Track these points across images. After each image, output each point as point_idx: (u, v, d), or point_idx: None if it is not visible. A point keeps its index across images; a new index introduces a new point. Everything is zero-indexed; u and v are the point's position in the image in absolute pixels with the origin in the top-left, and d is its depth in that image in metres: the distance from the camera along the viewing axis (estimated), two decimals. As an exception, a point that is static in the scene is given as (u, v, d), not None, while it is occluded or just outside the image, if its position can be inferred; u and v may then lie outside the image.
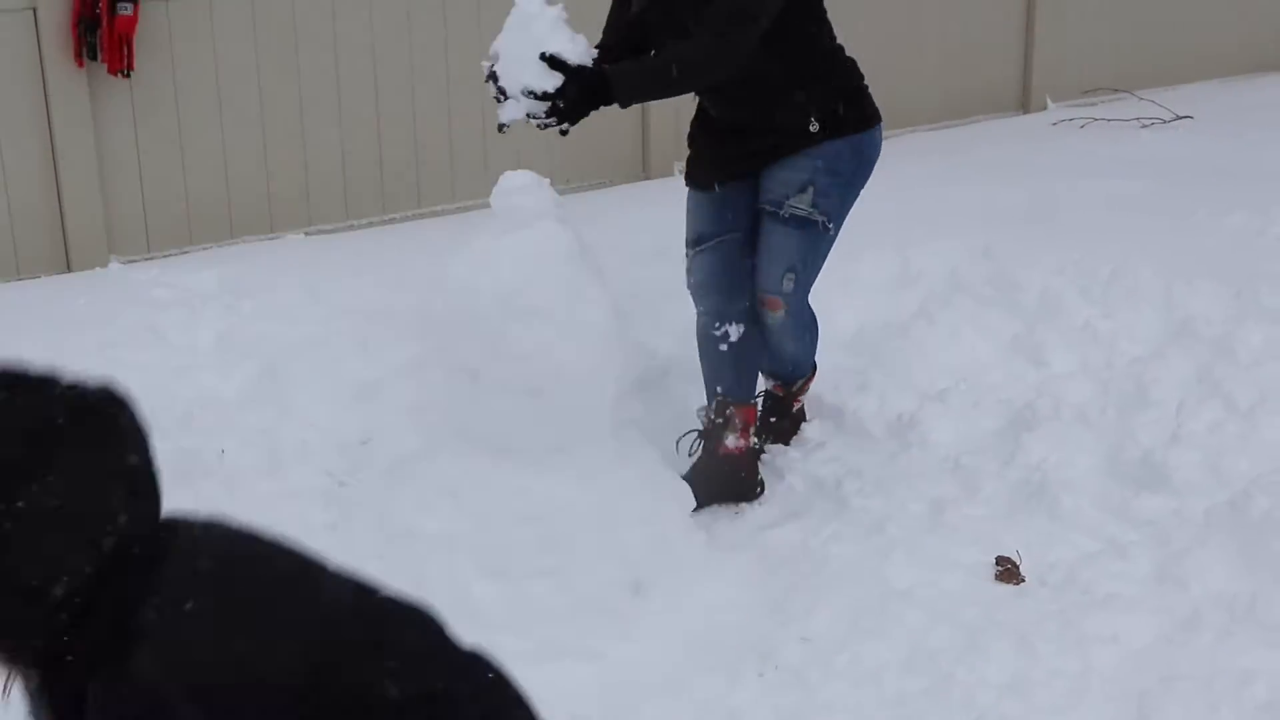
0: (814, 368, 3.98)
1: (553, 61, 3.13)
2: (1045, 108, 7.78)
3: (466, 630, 3.09)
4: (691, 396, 3.90)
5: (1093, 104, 7.75)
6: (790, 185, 3.50)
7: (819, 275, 3.73)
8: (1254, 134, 6.85)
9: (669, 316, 4.22)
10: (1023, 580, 3.27)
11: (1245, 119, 7.30)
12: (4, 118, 5.06)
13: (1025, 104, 7.85)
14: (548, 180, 3.28)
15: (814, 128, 3.48)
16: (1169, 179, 6.04)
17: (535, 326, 3.11)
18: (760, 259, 3.63)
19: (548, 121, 3.17)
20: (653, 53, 3.33)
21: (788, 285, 3.61)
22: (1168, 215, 5.44)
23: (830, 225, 3.58)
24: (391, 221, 5.78)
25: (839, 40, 3.62)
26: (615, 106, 3.25)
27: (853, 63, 3.62)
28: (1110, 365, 4.10)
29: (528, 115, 3.18)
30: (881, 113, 3.67)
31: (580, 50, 3.19)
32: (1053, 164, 6.44)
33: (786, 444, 3.97)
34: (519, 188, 3.19)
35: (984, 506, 3.55)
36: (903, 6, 7.22)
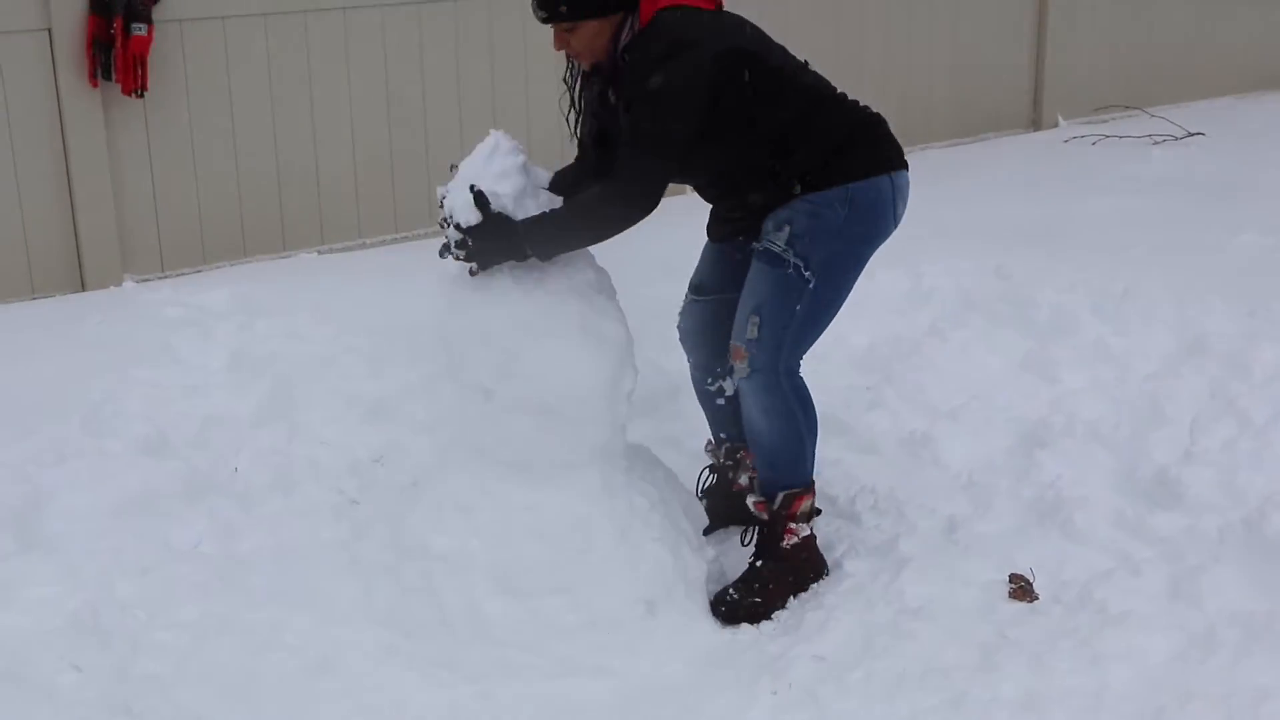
0: (808, 484, 3.38)
1: (478, 199, 3.04)
2: (1057, 125, 7.80)
3: (479, 645, 3.11)
4: (699, 415, 3.88)
5: (1104, 121, 7.76)
6: (772, 221, 3.23)
7: (804, 345, 3.31)
8: (1266, 151, 6.85)
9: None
10: (1036, 598, 3.26)
11: (1257, 136, 7.30)
12: (19, 137, 5.09)
13: (1037, 121, 7.86)
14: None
15: (797, 189, 3.21)
16: (1181, 196, 6.04)
17: (547, 344, 3.11)
18: (739, 306, 3.34)
19: (459, 256, 3.10)
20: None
21: (751, 331, 3.23)
22: (1180, 232, 5.43)
23: (809, 274, 3.18)
24: (404, 240, 5.80)
25: (823, 84, 3.29)
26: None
27: (843, 111, 3.27)
28: (1123, 382, 4.09)
29: (448, 244, 3.11)
30: (904, 155, 3.33)
31: (527, 189, 3.09)
32: (1064, 181, 6.44)
33: (765, 615, 3.30)
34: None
35: (997, 524, 3.54)
36: (914, 24, 7.24)
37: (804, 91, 3.22)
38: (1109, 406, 3.96)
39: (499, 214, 3.06)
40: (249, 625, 3.14)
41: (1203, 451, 3.64)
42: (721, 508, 3.68)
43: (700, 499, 3.68)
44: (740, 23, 3.23)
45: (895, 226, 3.32)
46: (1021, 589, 3.28)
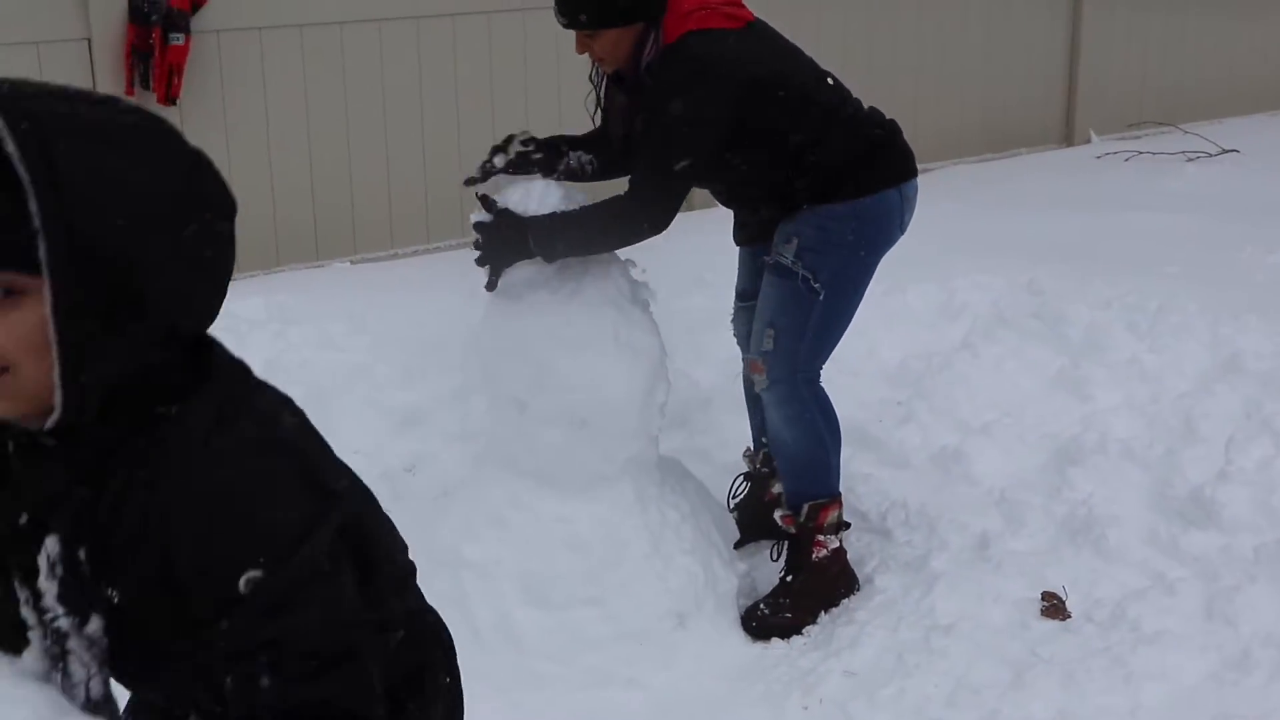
0: (834, 496, 3.38)
1: (484, 201, 3.08)
2: (1089, 141, 7.77)
3: (509, 656, 3.11)
4: (731, 427, 3.90)
5: (1137, 137, 7.73)
6: (781, 233, 3.27)
7: (821, 354, 3.32)
8: (1301, 168, 6.80)
9: (711, 347, 4.22)
10: (1069, 616, 3.24)
11: (1292, 153, 7.24)
12: (57, 146, 5.14)
13: (1069, 137, 7.84)
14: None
15: (805, 203, 3.24)
16: (1215, 213, 6.00)
17: (581, 357, 3.12)
18: (754, 318, 3.38)
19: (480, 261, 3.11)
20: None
21: (767, 343, 3.27)
22: (1214, 250, 5.40)
23: (819, 286, 3.21)
24: (437, 250, 5.83)
25: (840, 98, 3.28)
26: None
27: (855, 126, 3.26)
28: (1157, 400, 4.07)
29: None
30: (916, 151, 3.39)
31: (553, 202, 3.09)
32: (1097, 197, 6.41)
33: (796, 630, 3.31)
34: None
35: (1029, 541, 3.53)
36: (946, 38, 7.23)
37: (820, 109, 3.22)
38: (1143, 424, 3.94)
39: (505, 210, 3.09)
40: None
41: (1238, 471, 3.62)
42: (753, 521, 3.68)
43: (732, 512, 3.68)
44: (770, 36, 3.25)
45: (902, 234, 3.37)
46: (1054, 607, 3.27)
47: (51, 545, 1.28)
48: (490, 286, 3.14)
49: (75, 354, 1.20)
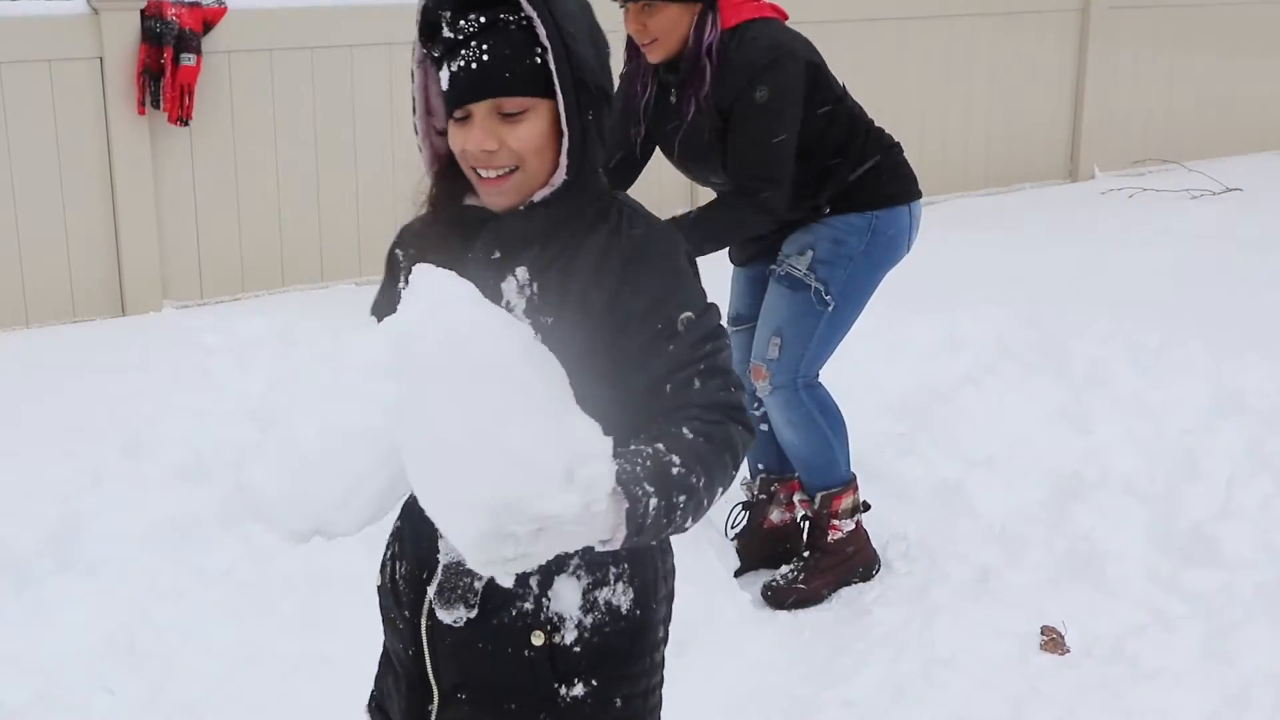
0: (845, 483, 3.52)
1: None
2: (1093, 177, 7.80)
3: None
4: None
5: (1141, 174, 7.76)
6: (793, 244, 3.37)
7: (821, 360, 3.43)
8: (1304, 208, 6.82)
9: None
10: (1068, 651, 3.24)
11: (1295, 192, 7.27)
12: (68, 162, 5.17)
13: (1074, 173, 7.87)
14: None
15: (826, 210, 3.35)
16: (1218, 251, 6.02)
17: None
18: (758, 323, 3.48)
19: None
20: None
21: (772, 351, 3.37)
22: (1217, 287, 5.42)
23: (830, 298, 3.33)
24: (441, 274, 5.84)
25: (861, 110, 3.43)
26: None
27: (875, 139, 3.40)
28: (1159, 436, 4.07)
29: None
30: (920, 183, 3.48)
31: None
32: (1101, 233, 6.44)
33: (810, 601, 3.46)
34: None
35: (1029, 575, 3.53)
36: (953, 73, 7.27)
37: (848, 114, 3.36)
38: (1144, 460, 3.94)
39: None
40: (280, 652, 3.15)
41: (1239, 508, 3.62)
42: (752, 548, 3.68)
43: (731, 540, 3.68)
44: (807, 40, 3.37)
45: (908, 253, 3.47)
46: (1053, 641, 3.27)
47: (521, 274, 1.70)
48: None
49: (578, 149, 1.69)
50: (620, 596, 1.73)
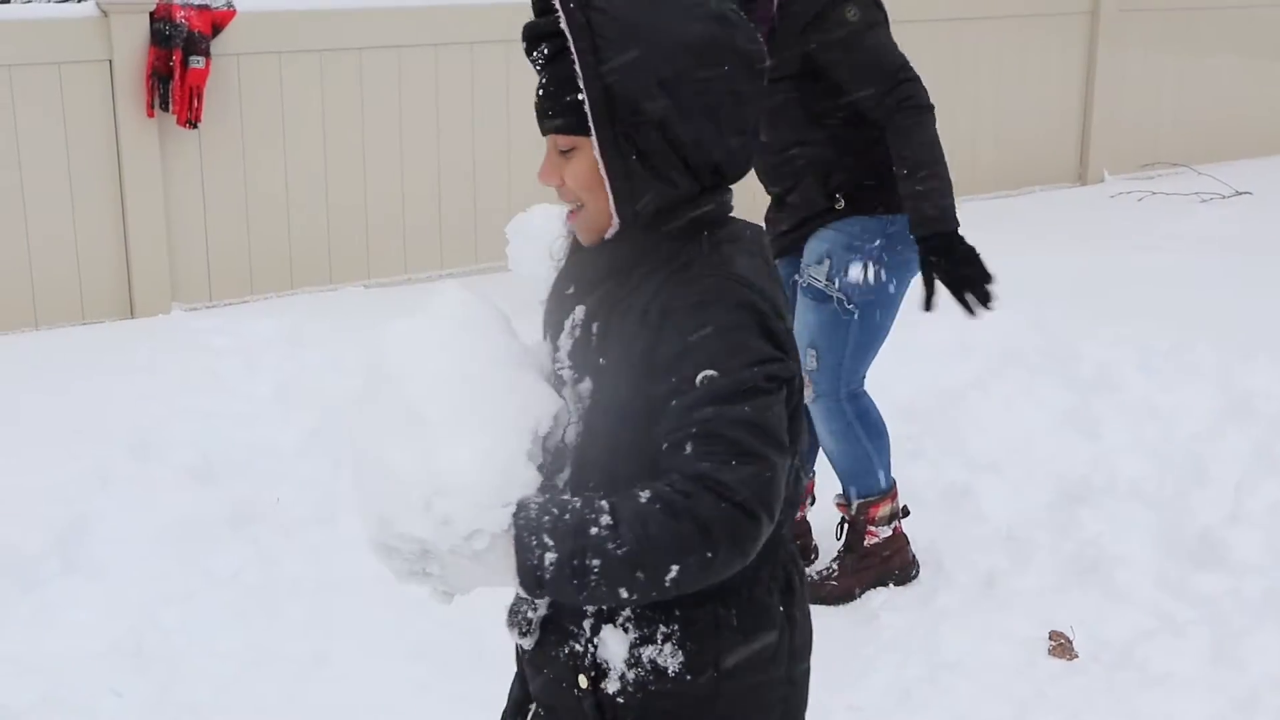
0: (884, 492, 3.51)
1: None
2: (1102, 180, 7.78)
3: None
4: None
5: (1150, 178, 7.74)
6: (810, 254, 3.34)
7: (860, 368, 3.42)
8: (1314, 211, 6.80)
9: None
10: (1075, 656, 3.23)
11: (1305, 196, 7.25)
12: (77, 164, 5.18)
13: (1083, 176, 7.85)
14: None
15: (839, 204, 3.30)
16: (1227, 254, 6.01)
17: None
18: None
19: None
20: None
21: (810, 362, 3.35)
22: (1226, 291, 5.40)
23: (853, 306, 3.30)
24: (450, 276, 5.85)
25: None
26: None
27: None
28: (1167, 440, 4.06)
29: None
30: None
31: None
32: (1110, 236, 6.43)
33: (843, 598, 3.48)
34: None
35: (1037, 579, 3.52)
36: (962, 75, 7.26)
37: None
38: (1152, 464, 3.94)
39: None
40: (288, 655, 3.15)
41: (1247, 513, 3.61)
42: None
43: None
44: None
45: None
46: (1061, 646, 3.26)
47: (578, 313, 1.66)
48: None
49: (624, 187, 1.60)
50: (667, 658, 1.65)
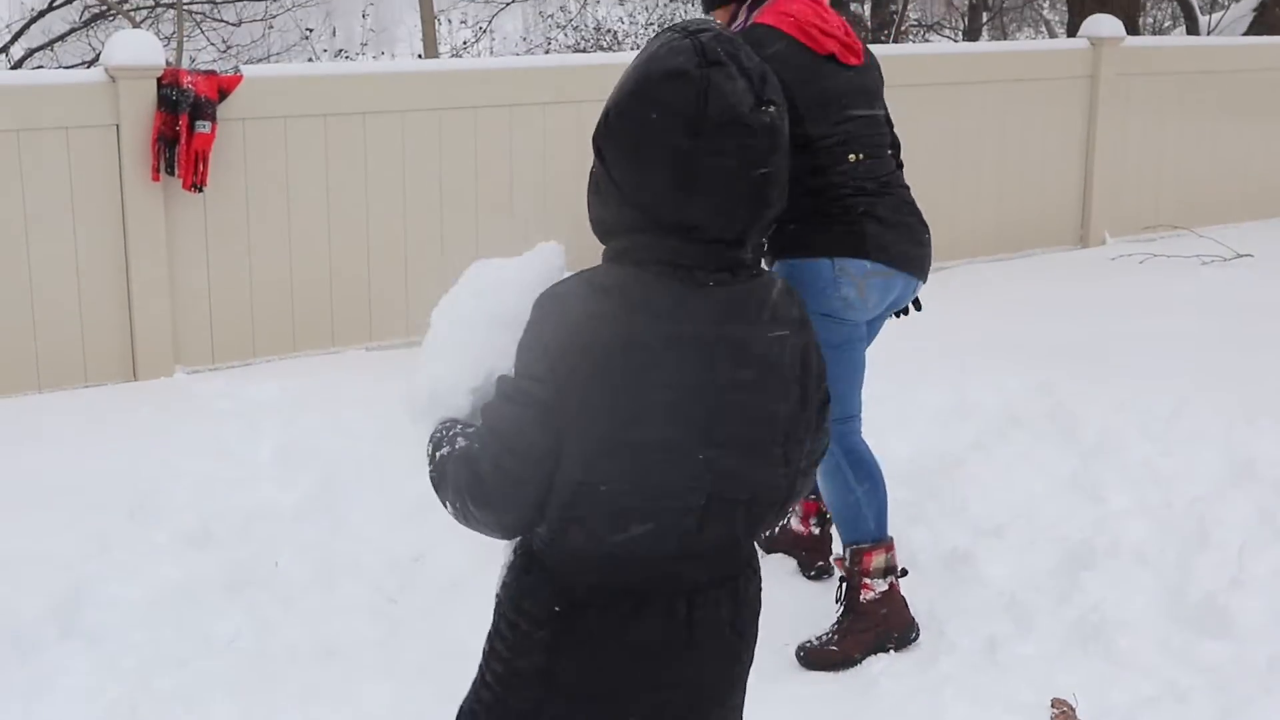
0: (875, 541, 3.48)
1: None
2: (1104, 242, 7.81)
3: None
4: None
5: (1152, 240, 7.76)
6: None
7: (839, 408, 3.29)
8: (1315, 274, 6.81)
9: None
10: (1079, 723, 3.20)
11: (1306, 258, 7.26)
12: (82, 227, 5.21)
13: (1084, 238, 7.88)
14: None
15: (763, 247, 3.32)
16: (1229, 317, 6.01)
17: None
18: None
19: None
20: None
21: None
22: (1229, 354, 5.40)
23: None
24: (451, 339, 5.85)
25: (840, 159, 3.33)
26: None
27: (845, 194, 3.30)
28: (1170, 505, 4.04)
29: None
30: (930, 249, 3.44)
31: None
32: (1111, 299, 6.44)
33: (842, 665, 3.43)
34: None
35: (1039, 645, 3.49)
36: (962, 138, 7.30)
37: (824, 154, 3.29)
38: (1155, 529, 3.92)
39: None
40: (283, 723, 3.13)
41: (1251, 578, 3.59)
42: (776, 538, 3.90)
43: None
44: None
45: (864, 313, 3.36)
46: (1064, 714, 3.23)
47: None
48: None
49: (589, 198, 1.84)
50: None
